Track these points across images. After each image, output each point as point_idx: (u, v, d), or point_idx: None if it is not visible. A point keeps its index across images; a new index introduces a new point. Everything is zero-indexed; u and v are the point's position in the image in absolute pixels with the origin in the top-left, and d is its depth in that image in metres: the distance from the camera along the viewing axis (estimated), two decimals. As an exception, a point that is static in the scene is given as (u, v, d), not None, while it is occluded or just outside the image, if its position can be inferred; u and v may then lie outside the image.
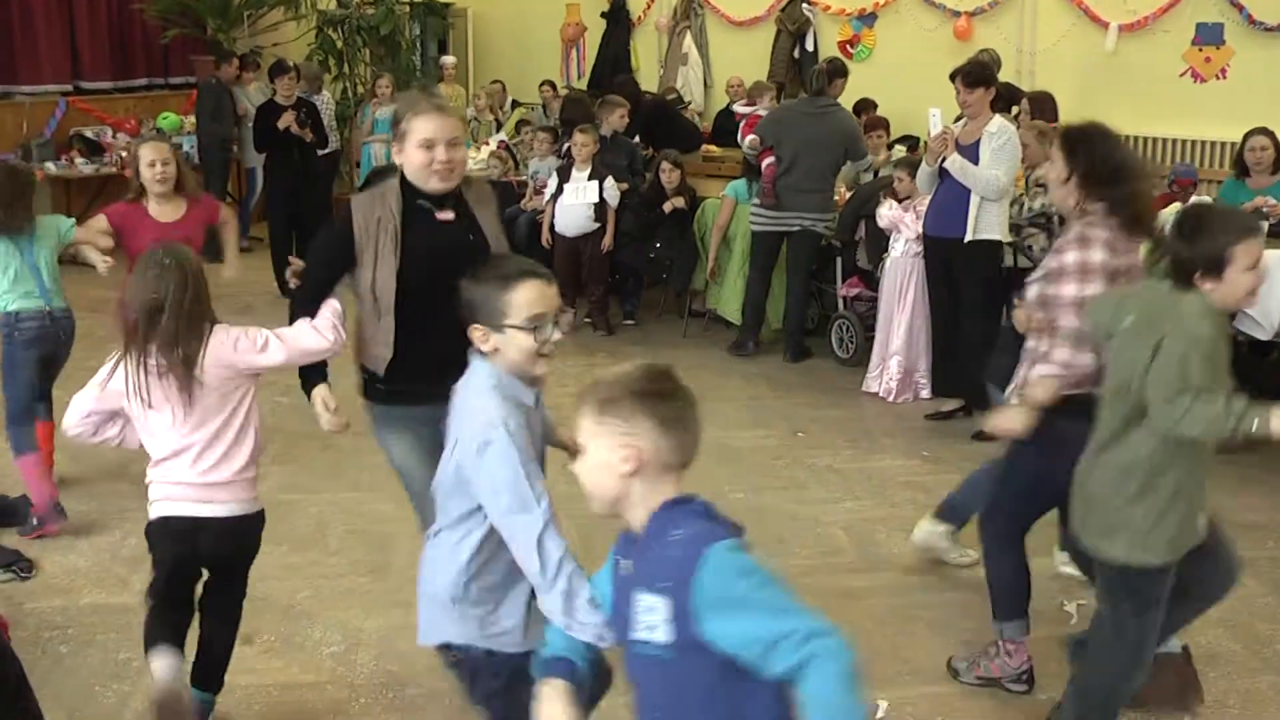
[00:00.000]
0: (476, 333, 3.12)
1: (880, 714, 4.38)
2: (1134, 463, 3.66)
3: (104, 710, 4.39)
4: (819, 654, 2.32)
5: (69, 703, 4.39)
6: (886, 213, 7.78)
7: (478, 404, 3.08)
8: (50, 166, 11.93)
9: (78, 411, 3.92)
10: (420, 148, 3.88)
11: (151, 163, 5.98)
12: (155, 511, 3.95)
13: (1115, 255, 4.14)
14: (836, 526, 6.01)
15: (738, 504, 6.23)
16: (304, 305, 4.05)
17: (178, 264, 3.81)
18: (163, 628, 3.88)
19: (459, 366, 3.23)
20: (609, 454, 2.48)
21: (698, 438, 2.55)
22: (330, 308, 3.99)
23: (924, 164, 7.33)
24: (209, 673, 4.14)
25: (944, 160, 7.09)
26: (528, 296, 3.09)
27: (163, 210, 6.01)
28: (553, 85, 13.55)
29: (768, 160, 8.62)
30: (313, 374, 4.03)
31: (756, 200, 8.72)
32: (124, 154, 12.25)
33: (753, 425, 7.46)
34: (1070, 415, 4.07)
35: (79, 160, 12.17)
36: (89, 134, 12.51)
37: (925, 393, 7.85)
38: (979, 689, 4.53)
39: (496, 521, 3.02)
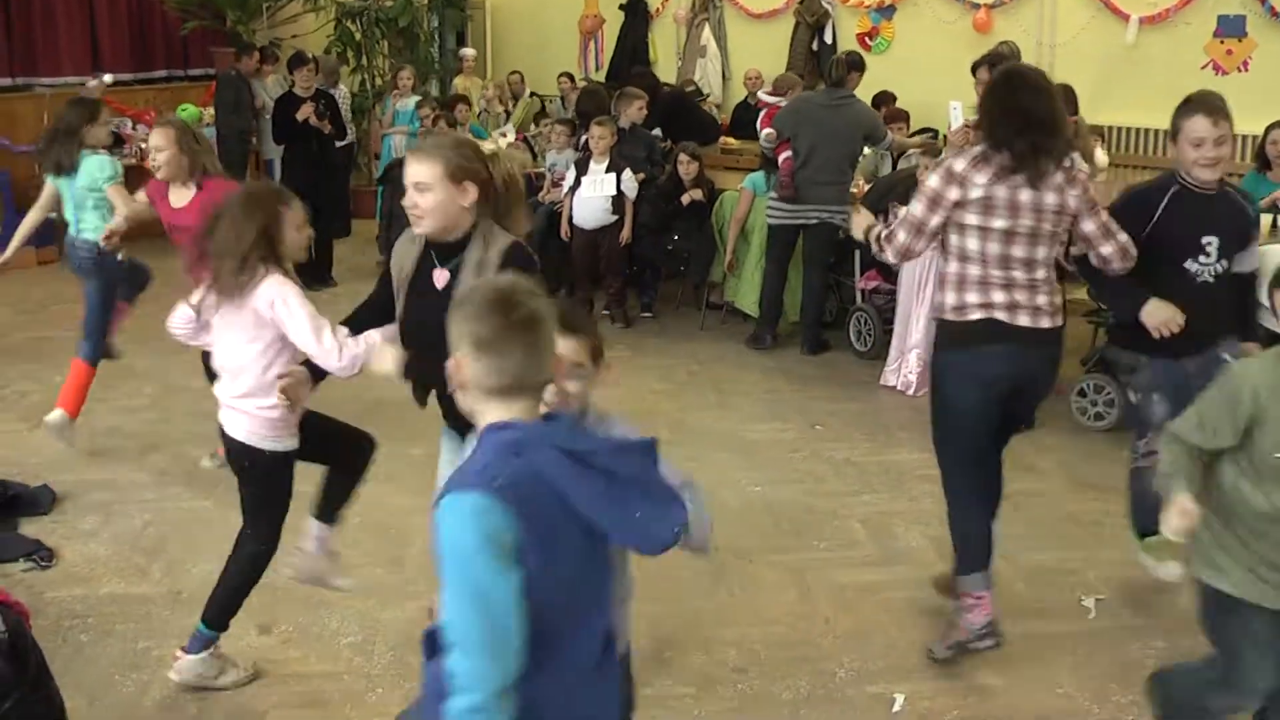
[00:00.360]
0: None
1: (897, 707, 4.39)
2: (1218, 485, 3.51)
3: (123, 698, 4.42)
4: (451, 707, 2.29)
5: (89, 691, 4.42)
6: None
7: None
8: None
9: (181, 315, 4.38)
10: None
11: (148, 149, 5.99)
12: None
13: (955, 186, 4.38)
14: (854, 519, 6.00)
15: (754, 497, 6.24)
16: (360, 311, 4.17)
17: (241, 204, 4.17)
18: None
19: None
20: (455, 359, 2.46)
21: (526, 362, 2.42)
22: (367, 339, 4.02)
23: (945, 157, 7.27)
24: (208, 604, 4.42)
25: None
26: None
27: (176, 195, 5.94)
28: (570, 77, 13.55)
29: (785, 154, 8.60)
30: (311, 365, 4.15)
31: (774, 193, 8.70)
32: (143, 145, 12.28)
33: (770, 418, 7.45)
34: (941, 347, 4.57)
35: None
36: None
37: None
38: (997, 685, 4.52)
39: None
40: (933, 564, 5.49)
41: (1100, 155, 9.46)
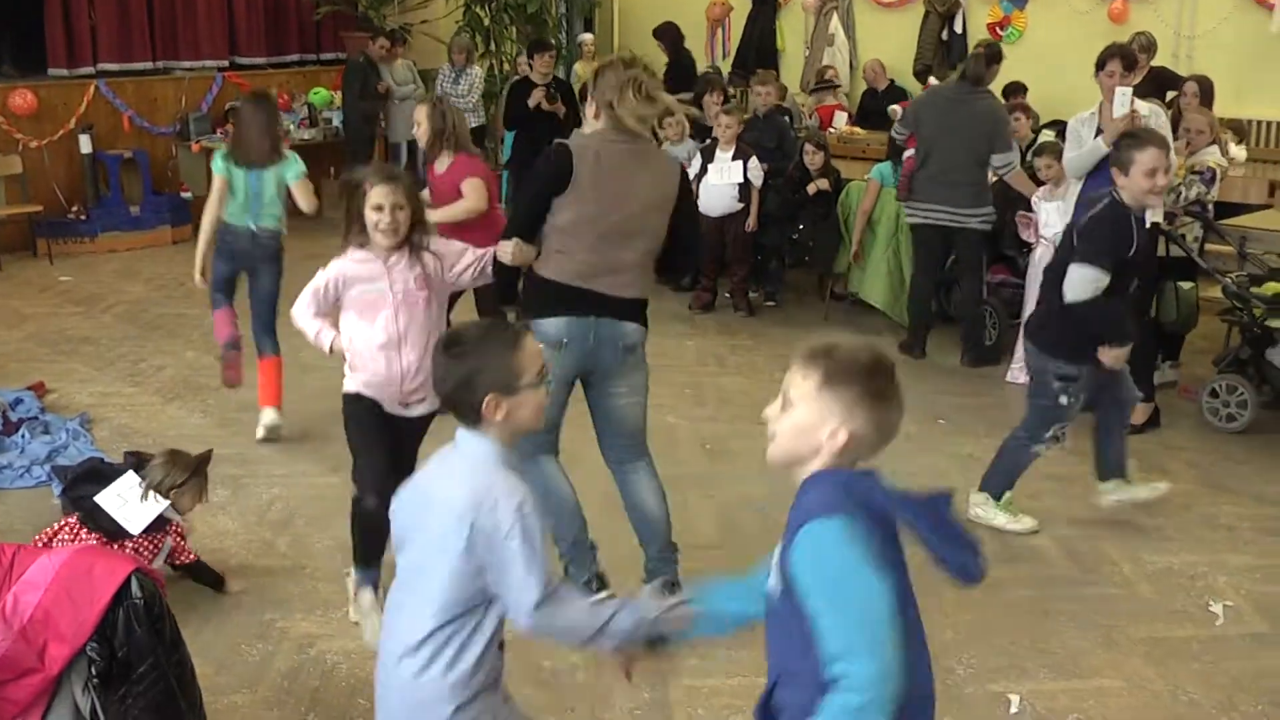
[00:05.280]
0: (490, 405, 2.79)
1: (1015, 708, 4.32)
2: None
3: (249, 667, 4.51)
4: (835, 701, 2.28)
5: (217, 659, 4.53)
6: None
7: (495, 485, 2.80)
8: (206, 140, 12.26)
9: None
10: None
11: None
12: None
13: None
14: (976, 516, 5.93)
15: (875, 490, 6.18)
16: None
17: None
18: None
19: None
20: (820, 423, 2.52)
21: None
22: None
23: (1096, 143, 6.93)
24: None
25: None
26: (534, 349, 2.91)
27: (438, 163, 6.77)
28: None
29: (909, 151, 8.33)
30: None
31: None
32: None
33: (892, 411, 7.34)
34: None
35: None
36: (243, 108, 12.77)
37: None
38: (1119, 687, 4.44)
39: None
40: (1055, 562, 5.42)
41: (1236, 150, 9.21)
